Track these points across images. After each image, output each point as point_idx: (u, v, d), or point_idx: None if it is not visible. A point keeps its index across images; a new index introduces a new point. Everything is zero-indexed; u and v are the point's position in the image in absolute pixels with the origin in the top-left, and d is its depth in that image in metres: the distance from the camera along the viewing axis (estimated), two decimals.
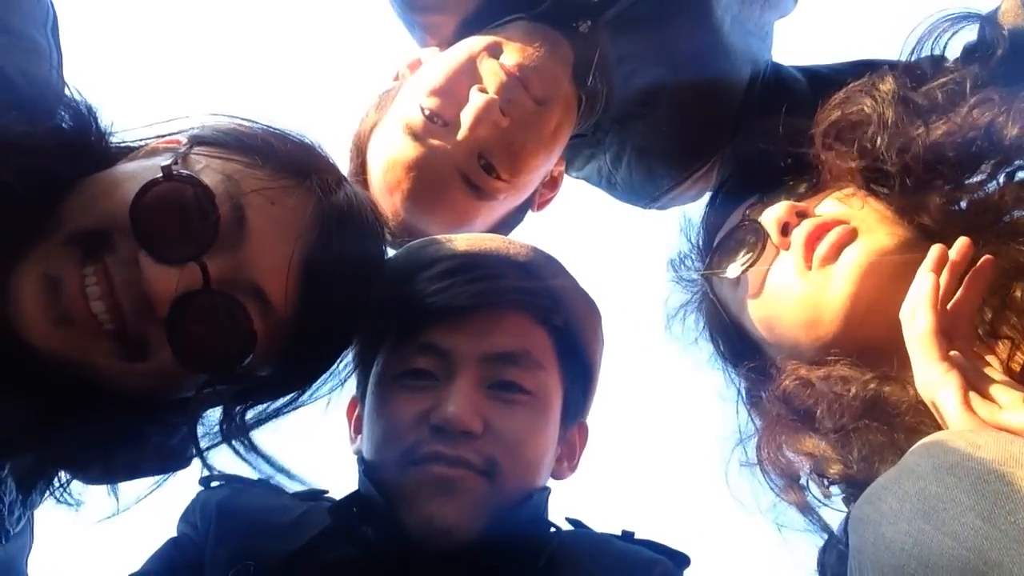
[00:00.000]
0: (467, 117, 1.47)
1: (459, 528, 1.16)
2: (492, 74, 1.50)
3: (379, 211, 1.20)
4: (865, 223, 1.13)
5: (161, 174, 0.97)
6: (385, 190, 1.54)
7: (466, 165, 1.51)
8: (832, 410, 1.04)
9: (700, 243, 1.37)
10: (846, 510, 1.05)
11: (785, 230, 1.17)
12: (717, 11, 1.59)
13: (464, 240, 1.36)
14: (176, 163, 1.00)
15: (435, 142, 1.50)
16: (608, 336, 1.44)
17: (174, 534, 1.35)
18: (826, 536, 1.08)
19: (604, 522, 1.39)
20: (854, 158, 1.18)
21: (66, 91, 1.10)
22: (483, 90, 1.48)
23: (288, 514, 1.31)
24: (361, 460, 1.29)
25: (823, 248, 1.12)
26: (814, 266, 1.12)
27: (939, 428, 0.93)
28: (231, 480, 1.37)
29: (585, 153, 1.85)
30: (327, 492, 1.40)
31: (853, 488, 1.00)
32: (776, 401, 1.13)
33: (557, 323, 1.31)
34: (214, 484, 1.37)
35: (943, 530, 0.73)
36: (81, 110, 1.06)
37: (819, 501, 1.09)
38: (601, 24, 1.59)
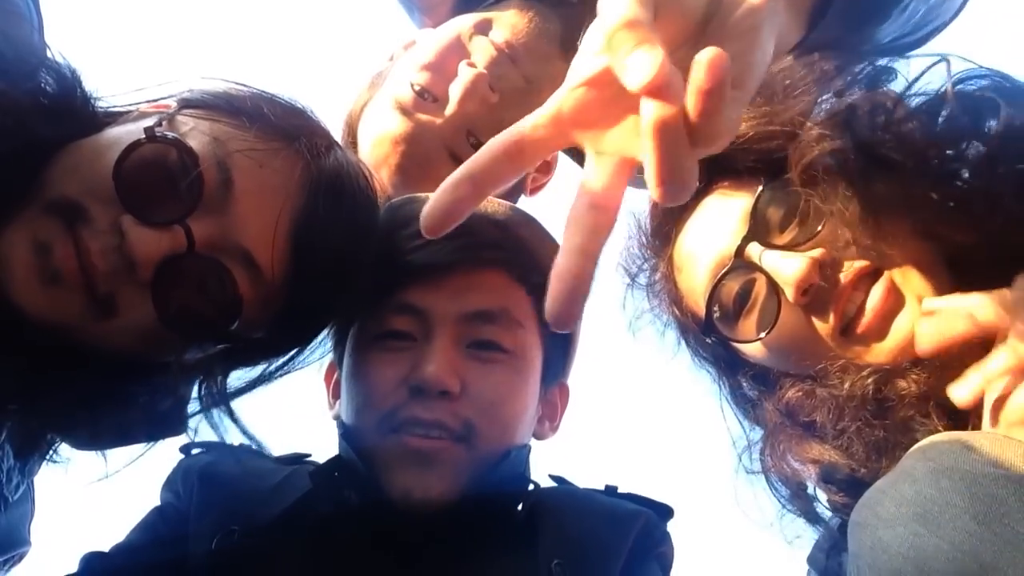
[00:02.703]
0: (455, 92, 1.46)
1: (439, 497, 1.16)
2: (481, 49, 1.50)
3: (372, 176, 1.18)
4: (892, 263, 1.01)
5: (144, 136, 0.95)
6: (373, 166, 1.53)
7: (454, 141, 1.50)
8: (832, 414, 1.01)
9: (650, 237, 1.26)
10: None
11: (807, 291, 1.03)
12: None
13: None
14: (160, 125, 0.99)
15: (424, 117, 1.49)
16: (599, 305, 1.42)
17: (158, 503, 1.34)
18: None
19: (590, 480, 1.40)
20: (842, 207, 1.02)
21: (49, 54, 1.07)
22: (472, 65, 1.48)
23: (271, 478, 1.30)
24: (341, 424, 1.29)
25: (868, 320, 1.00)
26: (856, 335, 1.02)
27: (934, 424, 0.93)
28: (212, 447, 1.36)
29: None
30: (309, 455, 1.40)
31: (857, 494, 0.95)
32: (779, 412, 1.10)
33: (536, 281, 1.26)
34: (195, 451, 1.37)
35: (938, 533, 0.72)
36: (64, 73, 1.04)
37: (828, 509, 1.07)
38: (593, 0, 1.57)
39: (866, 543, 0.79)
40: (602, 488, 1.37)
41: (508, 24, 1.53)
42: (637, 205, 1.25)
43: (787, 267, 1.02)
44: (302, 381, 1.26)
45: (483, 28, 1.52)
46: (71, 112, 1.03)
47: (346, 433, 1.25)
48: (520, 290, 1.28)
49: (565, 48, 1.56)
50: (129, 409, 1.08)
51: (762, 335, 1.08)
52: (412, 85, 1.50)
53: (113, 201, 0.93)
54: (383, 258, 1.22)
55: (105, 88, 1.07)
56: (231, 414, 1.09)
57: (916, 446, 0.85)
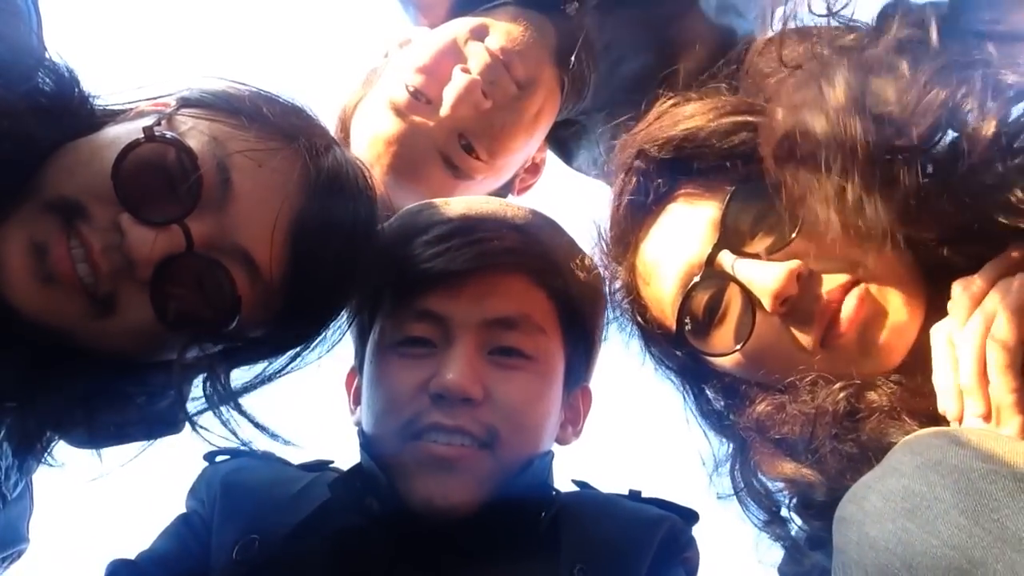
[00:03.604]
0: (449, 96, 1.48)
1: (462, 504, 1.16)
2: (476, 55, 1.51)
3: (371, 176, 1.18)
4: (869, 271, 0.98)
5: (143, 135, 0.96)
6: (366, 164, 1.54)
7: (445, 143, 1.53)
8: (804, 430, 0.98)
9: (611, 245, 1.21)
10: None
11: (784, 301, 0.99)
12: None
13: (460, 203, 1.34)
14: (159, 124, 0.99)
15: (417, 119, 1.52)
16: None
17: (183, 510, 1.35)
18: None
19: (613, 484, 1.39)
20: (818, 183, 0.96)
21: (46, 54, 1.08)
22: (466, 70, 1.49)
23: (293, 486, 1.30)
24: (361, 433, 1.28)
25: (844, 332, 0.97)
26: (834, 348, 0.99)
27: (907, 424, 0.92)
28: (236, 454, 1.37)
29: (580, 144, 1.85)
30: (332, 462, 1.40)
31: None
32: (750, 428, 1.06)
33: (557, 285, 1.28)
34: (219, 458, 1.37)
35: (927, 529, 0.71)
36: (62, 73, 1.04)
37: (801, 529, 1.04)
38: (588, 8, 1.59)
39: (852, 539, 0.77)
40: (626, 493, 1.36)
41: (504, 30, 1.54)
42: (598, 212, 1.22)
43: (764, 277, 0.99)
44: (326, 385, 1.28)
45: (479, 33, 1.54)
46: (69, 112, 1.03)
47: (366, 442, 1.25)
48: (541, 294, 1.27)
49: (559, 57, 1.59)
50: (127, 408, 1.08)
51: (738, 347, 1.04)
52: (407, 86, 1.52)
53: (112, 200, 0.94)
54: (401, 265, 1.22)
55: (104, 86, 1.08)
56: (239, 408, 1.08)
57: (903, 440, 0.84)
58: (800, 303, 0.99)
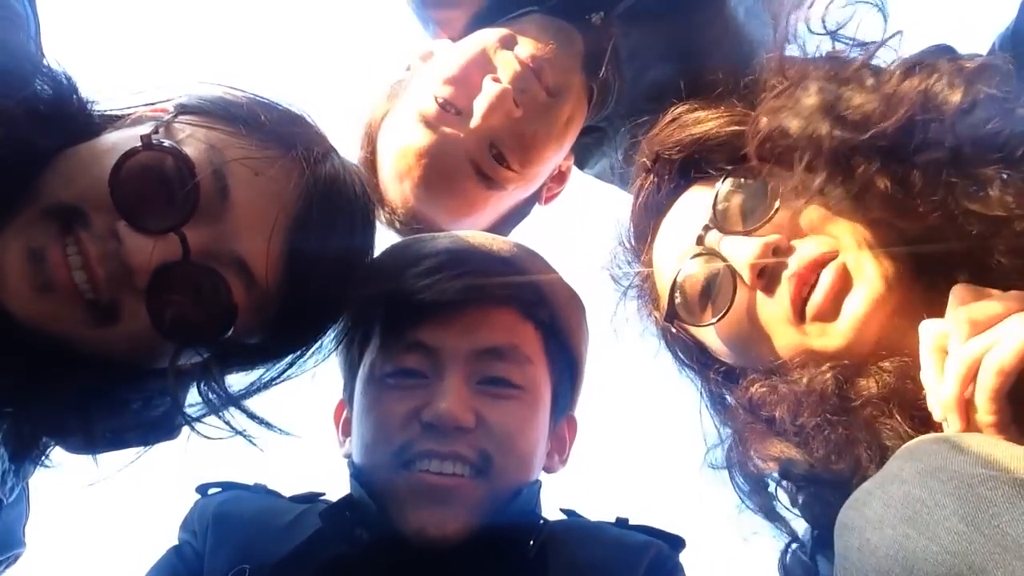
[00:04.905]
0: (480, 106, 1.48)
1: (455, 534, 1.17)
2: (506, 64, 1.51)
3: (369, 184, 1.19)
4: (847, 248, 1.02)
5: (140, 143, 0.96)
6: (395, 177, 1.56)
7: (477, 154, 1.52)
8: (791, 409, 1.00)
9: (631, 241, 1.28)
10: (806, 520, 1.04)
11: (761, 273, 1.04)
12: (730, 1, 1.57)
13: (448, 237, 1.37)
14: (157, 132, 0.99)
15: (448, 130, 1.51)
16: (601, 330, 1.41)
17: (175, 542, 1.35)
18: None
19: (601, 512, 1.40)
20: (797, 175, 1.03)
21: (44, 61, 1.08)
22: (497, 80, 1.49)
23: (284, 517, 1.31)
24: (351, 464, 1.29)
25: (819, 301, 1.00)
26: (808, 318, 1.02)
27: (898, 422, 0.92)
28: (228, 486, 1.39)
29: (597, 151, 1.85)
30: (323, 494, 1.41)
31: (816, 492, 0.96)
32: (743, 408, 1.09)
33: (543, 317, 1.32)
34: (212, 491, 1.38)
35: (927, 535, 0.71)
36: (60, 80, 1.04)
37: (788, 509, 1.06)
38: (613, 16, 1.59)
39: (853, 545, 0.77)
40: (613, 520, 1.37)
41: (533, 39, 1.54)
42: (620, 211, 1.27)
43: (742, 250, 1.04)
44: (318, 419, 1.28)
45: (508, 43, 1.54)
46: (67, 118, 1.03)
47: (357, 472, 1.26)
48: (528, 325, 1.30)
49: (587, 66, 1.59)
50: (123, 414, 1.08)
51: (715, 319, 1.09)
52: (436, 98, 1.51)
53: (110, 208, 0.94)
54: (391, 297, 1.24)
55: (102, 91, 1.08)
56: (242, 408, 1.08)
57: (904, 447, 0.84)
58: (777, 275, 1.04)
